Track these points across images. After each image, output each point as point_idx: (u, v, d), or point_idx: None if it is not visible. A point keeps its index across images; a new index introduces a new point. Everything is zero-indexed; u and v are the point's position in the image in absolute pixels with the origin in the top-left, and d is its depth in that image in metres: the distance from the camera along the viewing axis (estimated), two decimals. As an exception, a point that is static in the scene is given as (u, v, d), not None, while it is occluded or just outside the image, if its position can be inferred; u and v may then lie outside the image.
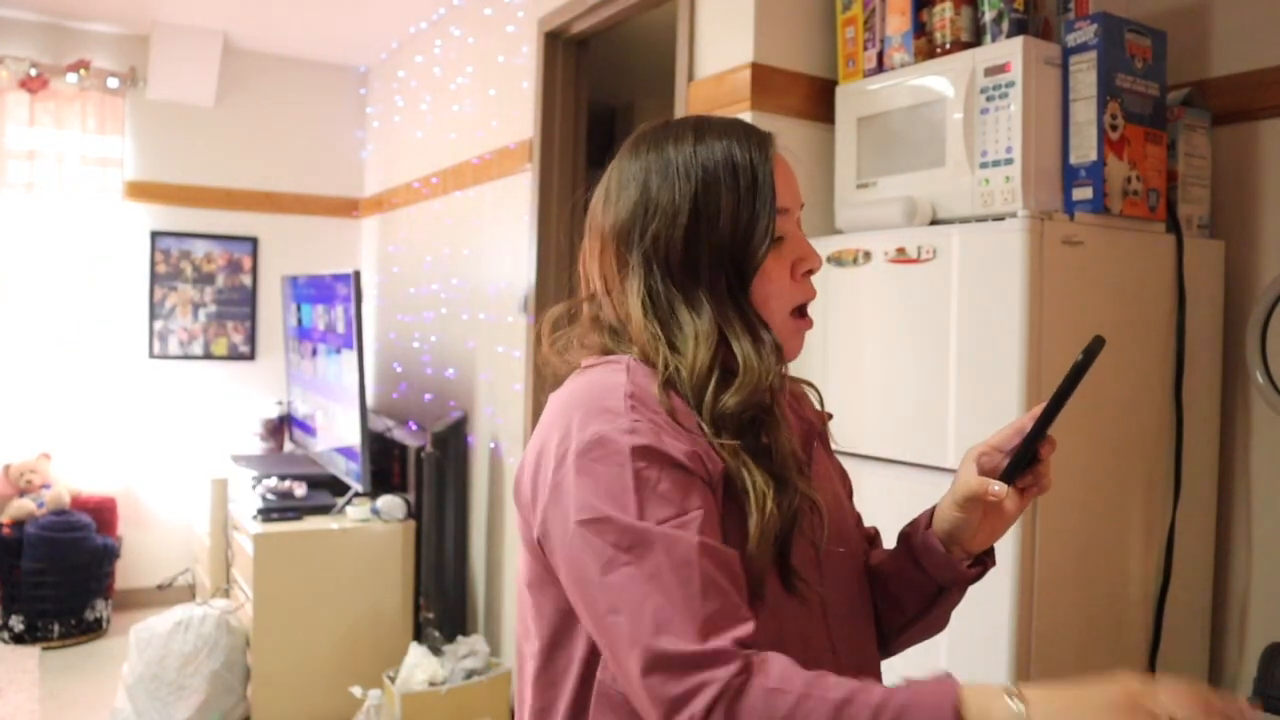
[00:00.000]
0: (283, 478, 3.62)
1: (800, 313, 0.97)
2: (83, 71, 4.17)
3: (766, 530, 0.84)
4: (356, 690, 2.95)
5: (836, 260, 1.96)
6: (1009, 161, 1.72)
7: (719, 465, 0.84)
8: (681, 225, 0.90)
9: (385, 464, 3.78)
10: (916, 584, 1.04)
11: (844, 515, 1.04)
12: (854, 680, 0.73)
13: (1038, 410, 0.99)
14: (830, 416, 1.10)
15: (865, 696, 0.70)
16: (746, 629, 0.74)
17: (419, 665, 2.97)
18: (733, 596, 0.76)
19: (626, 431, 0.80)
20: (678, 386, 0.88)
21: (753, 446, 0.88)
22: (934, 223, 1.86)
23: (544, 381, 1.17)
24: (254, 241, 4.66)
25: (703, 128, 0.95)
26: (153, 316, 4.49)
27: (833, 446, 1.11)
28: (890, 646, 1.10)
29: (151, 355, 4.47)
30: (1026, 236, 1.60)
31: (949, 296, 1.72)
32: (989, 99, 1.76)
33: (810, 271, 0.97)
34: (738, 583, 0.78)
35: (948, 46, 1.90)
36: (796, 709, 0.70)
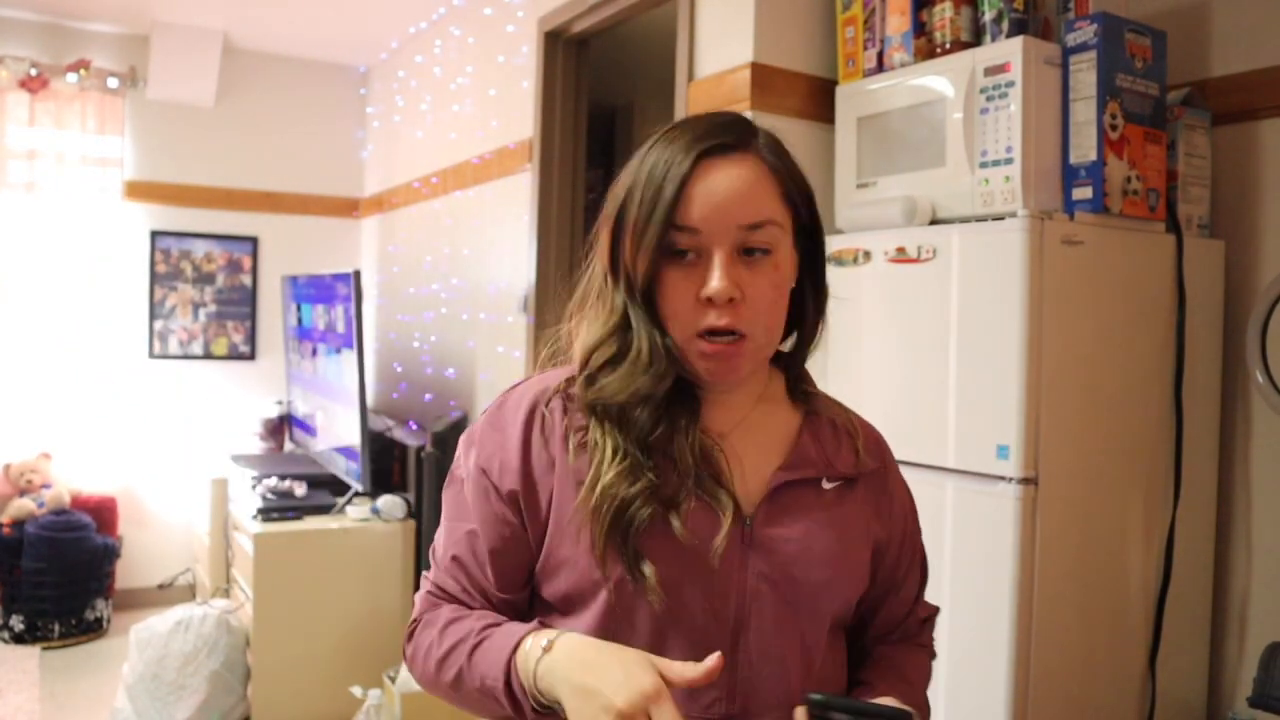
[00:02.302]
0: (283, 477, 3.61)
1: (708, 336, 0.90)
2: (83, 71, 4.17)
3: (597, 508, 0.89)
4: (356, 690, 2.95)
5: (836, 260, 1.96)
6: (1009, 161, 1.72)
7: (516, 481, 0.94)
8: (609, 229, 0.95)
9: (385, 464, 3.78)
10: None
11: (800, 565, 0.94)
12: (488, 615, 0.94)
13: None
14: (871, 468, 1.01)
15: (470, 624, 0.93)
16: (449, 584, 0.98)
17: (419, 665, 2.96)
18: (472, 570, 0.97)
19: (465, 469, 0.99)
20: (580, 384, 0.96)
21: (639, 437, 0.91)
22: (934, 222, 1.86)
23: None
24: (254, 241, 4.66)
25: (670, 131, 0.95)
26: (153, 316, 4.49)
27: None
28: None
29: (151, 355, 4.47)
30: (1026, 236, 1.60)
31: (949, 296, 1.72)
32: (989, 99, 1.76)
33: (711, 300, 0.89)
34: (485, 564, 0.96)
35: (948, 46, 1.90)
36: (433, 629, 0.96)
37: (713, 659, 0.81)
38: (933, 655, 1.11)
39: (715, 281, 0.88)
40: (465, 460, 0.99)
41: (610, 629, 0.91)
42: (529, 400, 0.97)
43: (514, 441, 0.95)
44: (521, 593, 0.98)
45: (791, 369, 1.03)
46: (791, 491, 0.95)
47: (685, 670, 0.81)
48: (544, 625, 0.92)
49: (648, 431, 0.91)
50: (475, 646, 0.91)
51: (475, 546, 0.96)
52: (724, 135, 0.92)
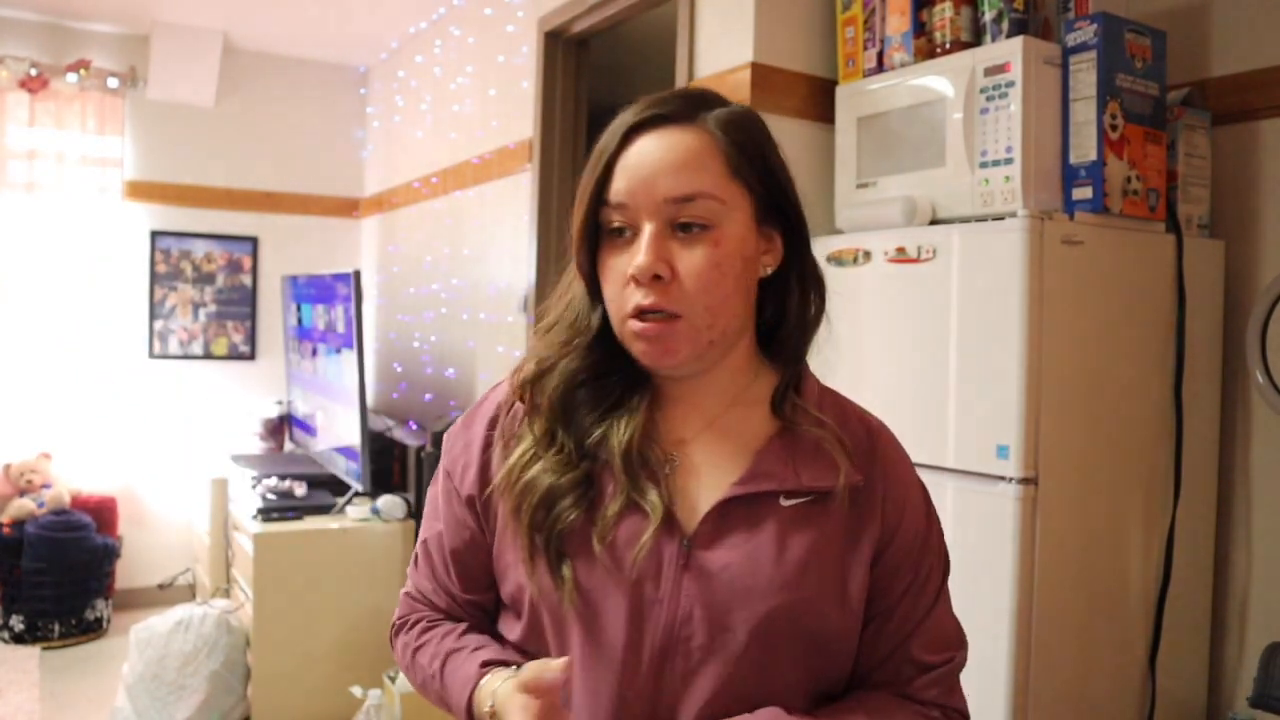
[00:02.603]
0: (283, 477, 3.61)
1: (639, 316, 0.84)
2: (83, 71, 4.17)
3: (519, 501, 0.87)
4: (356, 690, 2.95)
5: (836, 260, 1.96)
6: (1009, 161, 1.72)
7: (475, 485, 0.94)
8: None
9: (385, 464, 3.78)
10: None
11: (741, 596, 0.83)
12: (467, 636, 0.94)
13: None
14: (856, 480, 0.87)
15: (440, 645, 0.94)
16: (423, 584, 1.00)
17: (419, 665, 2.96)
18: (439, 570, 0.98)
19: (439, 469, 1.00)
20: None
21: (575, 429, 0.88)
22: (934, 222, 1.86)
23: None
24: (254, 241, 4.66)
25: (624, 108, 0.90)
26: (153, 316, 4.49)
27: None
28: None
29: (151, 355, 4.47)
30: (1026, 236, 1.60)
31: (949, 296, 1.72)
32: (989, 99, 1.76)
33: (635, 279, 0.83)
34: (448, 562, 0.97)
35: (948, 46, 1.90)
36: (407, 651, 0.99)
37: (557, 663, 0.79)
38: (945, 712, 0.90)
39: (639, 257, 0.83)
40: (442, 459, 0.99)
41: (534, 642, 0.90)
42: (497, 401, 0.95)
43: (476, 444, 0.94)
44: (486, 594, 0.97)
45: (786, 370, 0.93)
46: (743, 509, 0.85)
47: (536, 675, 0.79)
48: (500, 638, 0.94)
49: (585, 425, 0.88)
50: (442, 681, 0.92)
51: (441, 547, 0.97)
52: (662, 108, 0.86)
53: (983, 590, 1.63)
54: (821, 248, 2.02)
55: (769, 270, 0.90)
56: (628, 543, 0.84)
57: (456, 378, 3.71)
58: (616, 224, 0.86)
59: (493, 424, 0.94)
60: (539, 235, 3.08)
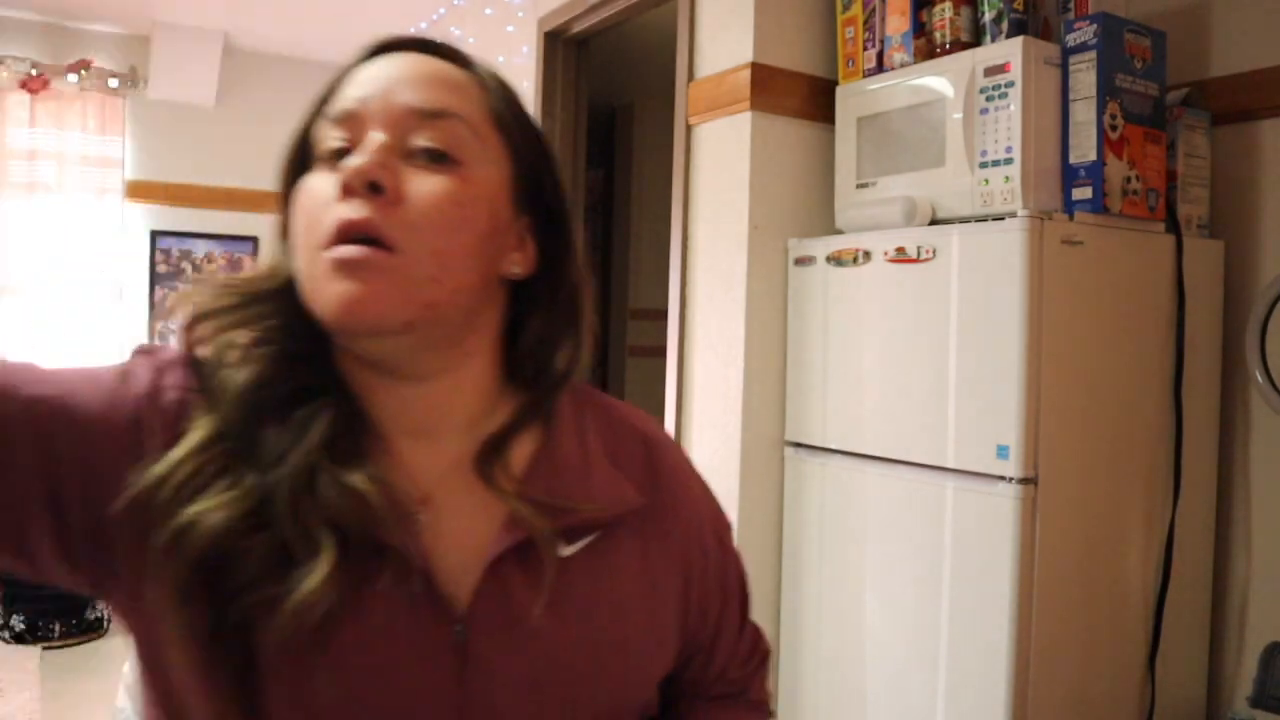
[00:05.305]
0: (283, 477, 3.61)
1: (337, 242, 0.60)
2: (83, 72, 4.17)
3: (170, 531, 0.56)
4: (357, 690, 2.95)
5: (836, 260, 1.96)
6: (1009, 161, 1.72)
7: None
8: None
9: (386, 464, 3.77)
10: None
11: (553, 681, 0.64)
12: None
13: None
14: (638, 504, 0.71)
15: None
16: None
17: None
18: None
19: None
20: None
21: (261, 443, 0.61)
22: (934, 223, 1.86)
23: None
24: (254, 241, 4.66)
25: None
26: (153, 316, 4.49)
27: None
28: None
29: (152, 355, 4.48)
30: (1026, 236, 1.60)
31: (949, 296, 1.72)
32: (989, 99, 1.76)
33: (346, 188, 0.60)
34: None
35: (947, 46, 1.90)
36: None
37: None
38: (766, 712, 0.84)
39: (356, 157, 0.61)
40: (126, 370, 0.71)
41: None
42: (164, 364, 0.70)
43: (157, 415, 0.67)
44: None
45: (533, 393, 0.71)
46: (519, 567, 0.64)
47: None
48: None
49: (269, 445, 0.59)
50: None
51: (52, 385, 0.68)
52: (433, 44, 0.69)
53: (983, 590, 1.63)
54: (822, 248, 2.02)
55: (517, 271, 0.69)
56: (371, 637, 0.59)
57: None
58: (334, 143, 0.63)
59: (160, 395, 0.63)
60: (539, 235, 3.08)
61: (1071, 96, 1.73)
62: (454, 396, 0.68)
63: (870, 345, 1.89)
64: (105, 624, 4.04)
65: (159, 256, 4.49)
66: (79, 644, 3.91)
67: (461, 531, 0.64)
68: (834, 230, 2.10)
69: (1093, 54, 1.70)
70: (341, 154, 0.63)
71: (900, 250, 1.82)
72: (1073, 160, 1.74)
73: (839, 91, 2.14)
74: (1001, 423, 1.62)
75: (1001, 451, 1.62)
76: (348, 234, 0.59)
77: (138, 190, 4.40)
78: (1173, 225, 1.83)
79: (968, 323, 1.69)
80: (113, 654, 3.77)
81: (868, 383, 1.89)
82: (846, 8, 2.16)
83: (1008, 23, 1.82)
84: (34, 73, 4.09)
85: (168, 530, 0.56)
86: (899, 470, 1.80)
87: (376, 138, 0.62)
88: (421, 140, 0.63)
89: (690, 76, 2.35)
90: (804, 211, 2.17)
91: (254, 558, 0.56)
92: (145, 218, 4.45)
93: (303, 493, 0.58)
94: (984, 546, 1.64)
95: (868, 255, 1.90)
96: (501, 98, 0.68)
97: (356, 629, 0.58)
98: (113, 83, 4.25)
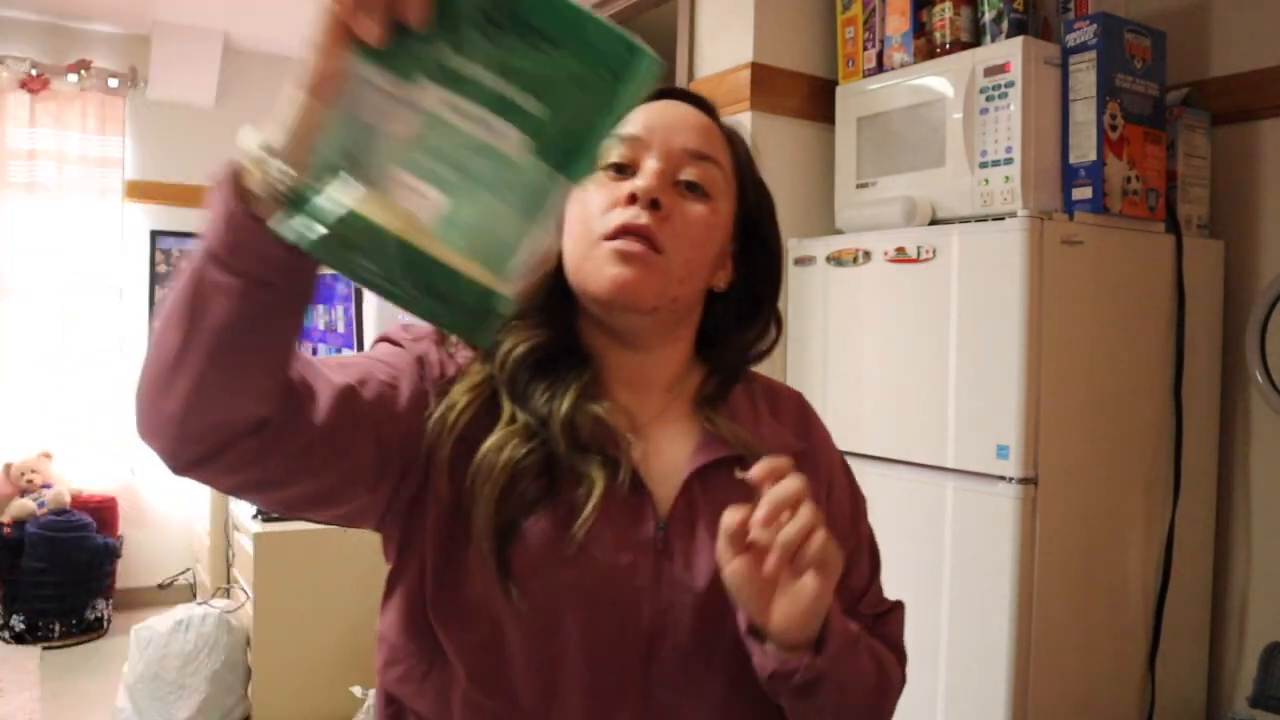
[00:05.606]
0: (283, 477, 3.61)
1: (619, 235, 0.81)
2: (83, 72, 4.17)
3: (485, 476, 0.74)
4: (357, 690, 2.95)
5: (836, 260, 1.96)
6: (1009, 161, 1.72)
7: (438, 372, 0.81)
8: None
9: (386, 464, 3.77)
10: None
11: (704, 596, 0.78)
12: None
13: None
14: (798, 448, 0.87)
15: None
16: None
17: (419, 665, 2.96)
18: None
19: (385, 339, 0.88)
20: None
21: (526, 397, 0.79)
22: (934, 223, 1.86)
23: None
24: (254, 241, 4.67)
25: None
26: (153, 316, 4.49)
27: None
28: None
29: (152, 355, 4.47)
30: (1026, 236, 1.60)
31: (949, 296, 1.72)
32: (989, 99, 1.76)
33: (633, 197, 0.80)
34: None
35: (947, 46, 1.90)
36: None
37: None
38: (901, 653, 0.91)
39: (643, 179, 0.78)
40: (391, 336, 0.91)
41: (487, 656, 0.77)
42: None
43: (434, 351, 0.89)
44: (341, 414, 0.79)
45: (717, 372, 0.89)
46: (710, 482, 0.81)
47: None
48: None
49: (533, 397, 0.78)
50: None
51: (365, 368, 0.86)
52: (700, 100, 0.88)
53: (983, 590, 1.63)
54: (822, 247, 2.02)
55: (720, 285, 0.87)
56: (598, 533, 0.75)
57: (457, 378, 3.71)
58: (616, 158, 0.80)
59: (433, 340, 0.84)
60: (539, 235, 3.08)
61: (1071, 96, 1.73)
62: (664, 364, 0.87)
63: (870, 345, 1.89)
64: (105, 624, 4.04)
65: (159, 256, 4.49)
66: (79, 644, 3.91)
67: (663, 458, 0.82)
68: (834, 230, 2.10)
69: (1093, 54, 1.70)
70: (619, 167, 0.81)
71: (900, 250, 1.82)
72: (1073, 160, 1.74)
73: (839, 91, 2.14)
74: (1001, 423, 1.62)
75: (1001, 451, 1.62)
76: (630, 232, 0.77)
77: (138, 190, 4.40)
78: (1173, 225, 1.83)
79: (968, 323, 1.69)
80: (113, 654, 3.77)
81: (868, 383, 1.89)
82: (846, 8, 2.16)
83: (1008, 23, 1.83)
84: (34, 73, 4.09)
85: (476, 461, 0.75)
86: (899, 470, 1.80)
87: (654, 165, 0.80)
88: (688, 174, 0.81)
89: (690, 76, 2.35)
90: (804, 211, 2.17)
91: (530, 475, 0.75)
92: (145, 218, 4.44)
93: (568, 422, 0.77)
94: (984, 546, 1.64)
95: (868, 255, 1.90)
96: (742, 151, 0.89)
97: (594, 524, 0.75)
98: (113, 83, 4.25)
